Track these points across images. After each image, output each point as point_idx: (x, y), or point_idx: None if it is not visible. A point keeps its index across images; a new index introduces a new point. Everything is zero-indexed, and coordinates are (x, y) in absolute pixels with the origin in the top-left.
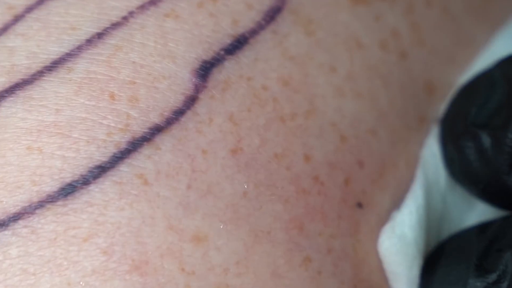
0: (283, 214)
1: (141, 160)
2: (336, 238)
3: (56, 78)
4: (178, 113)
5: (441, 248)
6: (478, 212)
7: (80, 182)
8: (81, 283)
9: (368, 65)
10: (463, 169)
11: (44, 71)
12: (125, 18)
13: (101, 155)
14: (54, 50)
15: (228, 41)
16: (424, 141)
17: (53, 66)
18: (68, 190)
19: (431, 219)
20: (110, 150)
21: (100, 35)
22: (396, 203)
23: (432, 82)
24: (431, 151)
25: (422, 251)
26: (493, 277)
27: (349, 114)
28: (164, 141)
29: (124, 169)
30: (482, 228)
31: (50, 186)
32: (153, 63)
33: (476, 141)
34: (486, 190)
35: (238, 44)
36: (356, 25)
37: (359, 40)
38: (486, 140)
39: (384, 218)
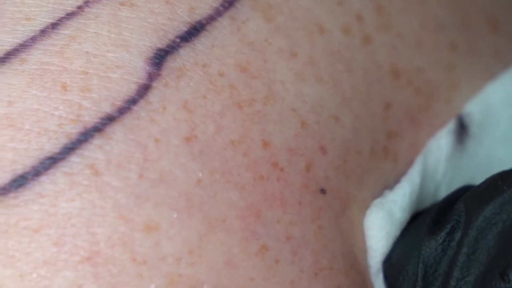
0: (239, 201)
1: (92, 151)
2: (296, 225)
3: (9, 69)
4: (131, 102)
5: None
6: None
7: (31, 173)
8: (33, 274)
9: (330, 50)
10: None
11: None
12: (80, 8)
13: (52, 147)
14: (8, 41)
15: (184, 28)
16: (436, 132)
17: (7, 57)
18: (20, 182)
19: (419, 207)
20: (61, 141)
21: (54, 25)
22: (361, 189)
23: (398, 67)
24: (439, 144)
25: None
26: (447, 228)
27: (310, 100)
28: (116, 130)
29: (75, 159)
30: None
31: (2, 178)
32: (106, 52)
33: None
34: None
35: (194, 31)
36: (318, 9)
37: (321, 25)
38: None
39: (349, 205)
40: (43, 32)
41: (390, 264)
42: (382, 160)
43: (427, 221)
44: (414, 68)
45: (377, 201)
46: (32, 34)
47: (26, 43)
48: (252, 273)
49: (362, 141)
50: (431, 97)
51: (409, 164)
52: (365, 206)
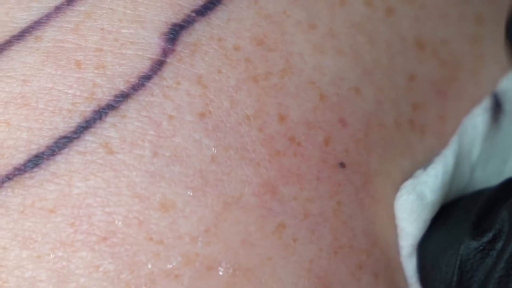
0: (254, 178)
1: (106, 129)
2: (314, 202)
3: (24, 47)
4: (145, 79)
5: (449, 208)
6: None
7: (46, 153)
8: (50, 255)
9: (351, 21)
10: None
11: (13, 40)
12: None
13: (66, 126)
14: (23, 19)
15: (200, 2)
16: (471, 109)
17: (22, 35)
18: (35, 161)
19: (453, 188)
20: (75, 120)
21: (69, 2)
22: (385, 162)
23: (422, 39)
24: (474, 122)
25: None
26: (488, 236)
27: (329, 72)
28: (130, 108)
29: (89, 138)
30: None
31: (17, 158)
32: (121, 28)
33: None
34: None
35: (210, 5)
36: None
37: None
38: None
39: (371, 179)
40: (58, 9)
41: (424, 256)
42: (408, 133)
43: (467, 221)
44: (438, 40)
45: (408, 183)
46: (47, 11)
47: (41, 20)
48: (270, 252)
49: (385, 114)
50: (456, 69)
51: (438, 137)
52: (391, 180)
